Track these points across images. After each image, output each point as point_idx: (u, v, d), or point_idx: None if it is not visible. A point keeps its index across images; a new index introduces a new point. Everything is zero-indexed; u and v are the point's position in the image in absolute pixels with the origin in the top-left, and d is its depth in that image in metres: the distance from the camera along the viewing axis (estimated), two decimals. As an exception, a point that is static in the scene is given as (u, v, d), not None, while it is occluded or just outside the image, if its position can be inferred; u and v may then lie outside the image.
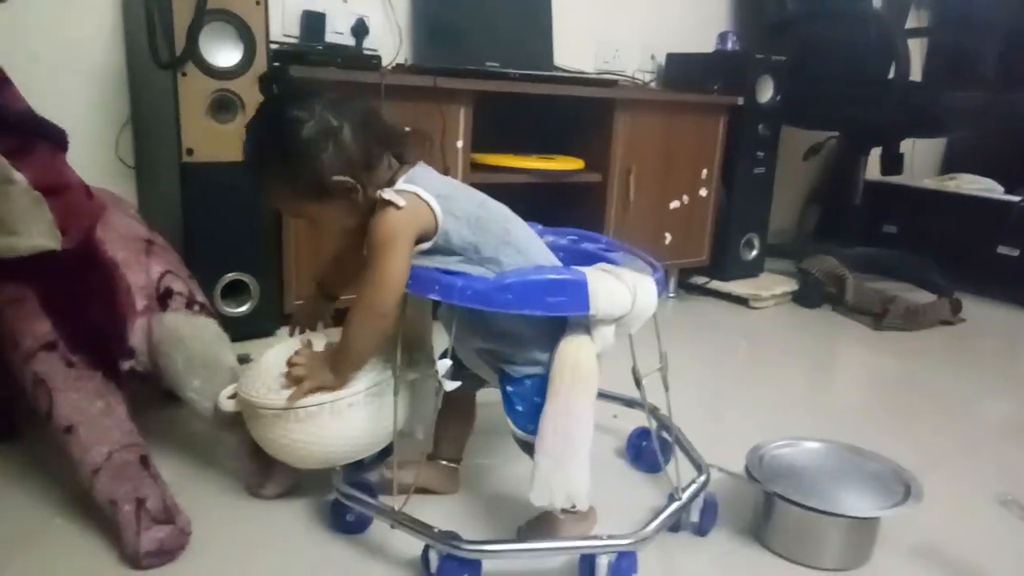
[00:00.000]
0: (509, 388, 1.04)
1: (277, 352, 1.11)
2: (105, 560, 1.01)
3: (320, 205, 1.00)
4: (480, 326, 1.03)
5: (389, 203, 0.97)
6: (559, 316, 1.00)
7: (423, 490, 1.14)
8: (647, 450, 1.33)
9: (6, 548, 1.03)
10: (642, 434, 1.35)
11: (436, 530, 0.99)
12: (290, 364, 1.03)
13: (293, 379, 1.02)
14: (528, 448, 1.01)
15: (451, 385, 0.99)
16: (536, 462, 0.98)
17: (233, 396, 1.10)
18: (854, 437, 1.27)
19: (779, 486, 1.10)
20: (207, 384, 1.18)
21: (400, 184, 1.00)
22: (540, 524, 1.08)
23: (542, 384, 1.01)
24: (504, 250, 1.01)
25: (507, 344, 1.04)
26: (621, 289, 0.99)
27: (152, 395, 1.34)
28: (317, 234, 1.07)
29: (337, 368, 1.01)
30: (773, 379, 1.88)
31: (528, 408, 1.02)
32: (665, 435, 1.24)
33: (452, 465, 1.22)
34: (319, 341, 1.08)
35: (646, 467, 1.34)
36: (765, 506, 1.13)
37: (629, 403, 1.39)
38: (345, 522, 1.10)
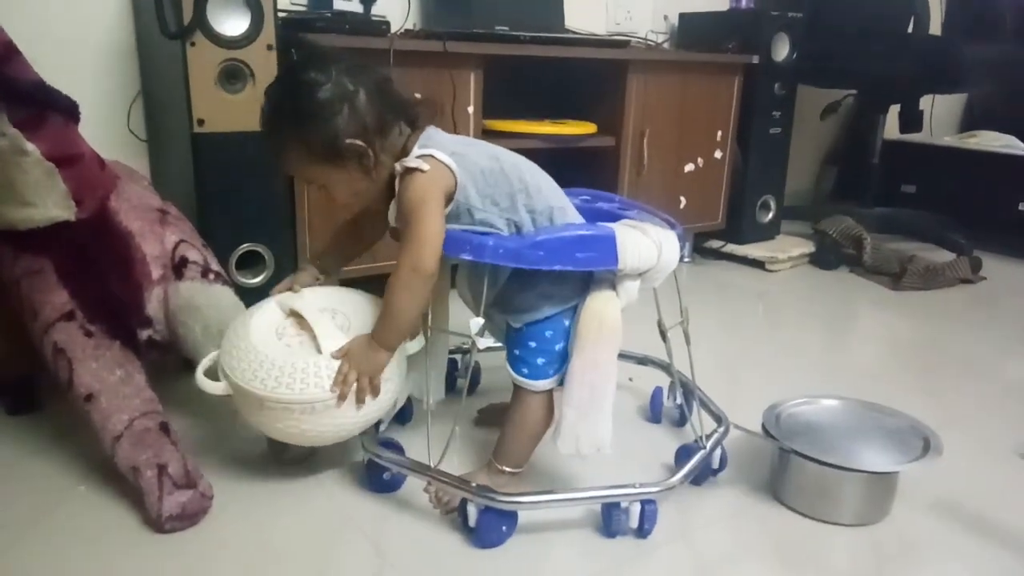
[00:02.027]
0: (511, 335, 1.08)
1: (261, 327, 1.06)
2: (129, 524, 1.03)
3: (332, 169, 1.01)
4: (500, 283, 1.05)
5: (414, 169, 0.99)
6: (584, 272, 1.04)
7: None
8: (666, 405, 1.38)
9: (33, 516, 1.05)
10: (661, 391, 1.39)
11: (474, 485, 1.02)
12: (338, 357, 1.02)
13: (343, 378, 1.01)
14: (520, 398, 1.07)
15: (484, 342, 1.02)
16: (563, 413, 1.02)
17: (208, 372, 1.08)
18: (873, 397, 1.26)
19: (796, 443, 1.10)
20: (224, 352, 1.19)
21: (416, 150, 1.02)
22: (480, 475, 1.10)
23: (536, 332, 1.05)
24: (519, 197, 1.04)
25: (518, 298, 1.06)
26: (647, 243, 1.01)
27: (171, 363, 1.36)
28: (331, 205, 1.07)
29: (386, 341, 1.02)
30: (790, 341, 1.87)
31: (523, 352, 1.06)
32: (686, 387, 1.27)
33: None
34: (302, 302, 1.07)
35: (665, 423, 1.38)
36: (782, 463, 1.13)
37: (641, 360, 1.44)
38: (382, 481, 1.12)
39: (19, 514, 1.05)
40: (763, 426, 1.15)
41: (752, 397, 1.29)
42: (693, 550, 1.04)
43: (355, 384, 1.02)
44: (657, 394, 1.39)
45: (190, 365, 1.23)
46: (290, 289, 1.12)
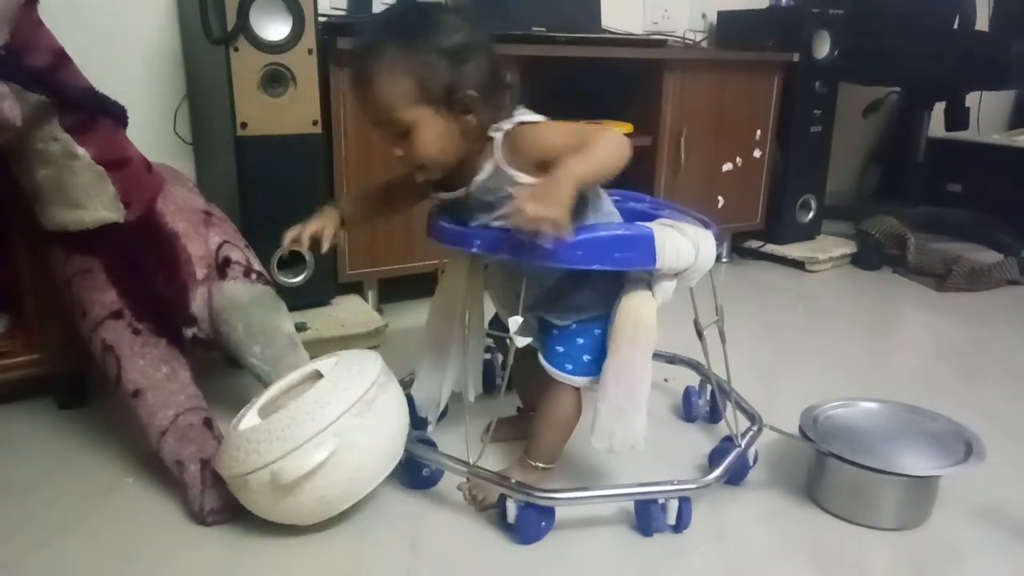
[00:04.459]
0: (554, 332, 1.08)
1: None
2: (173, 516, 1.06)
3: (435, 115, 0.96)
4: (537, 285, 1.06)
5: (530, 122, 0.99)
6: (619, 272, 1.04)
7: (519, 438, 1.19)
8: (699, 404, 1.38)
9: (83, 506, 1.09)
10: (694, 390, 1.39)
11: (513, 481, 1.03)
12: (517, 209, 0.88)
13: (525, 216, 0.87)
14: (554, 395, 1.07)
15: (523, 341, 1.02)
16: (598, 410, 1.03)
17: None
18: (915, 400, 1.24)
19: (834, 446, 1.09)
20: (267, 350, 1.22)
21: (517, 115, 1.01)
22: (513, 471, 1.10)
23: (585, 329, 1.06)
24: (589, 194, 1.04)
25: (573, 296, 1.07)
26: (685, 243, 1.01)
27: (214, 360, 1.39)
28: (405, 160, 0.99)
29: (581, 172, 0.91)
30: (831, 342, 1.84)
31: (568, 349, 1.06)
32: (720, 386, 1.26)
33: None
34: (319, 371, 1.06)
35: (698, 421, 1.38)
36: (819, 466, 1.12)
37: (671, 359, 1.45)
38: (421, 477, 1.13)
39: (69, 504, 1.09)
40: (800, 428, 1.14)
41: (790, 399, 1.28)
42: (728, 552, 1.03)
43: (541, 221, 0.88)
44: (689, 393, 1.39)
45: (233, 362, 1.27)
46: (318, 232, 1.08)
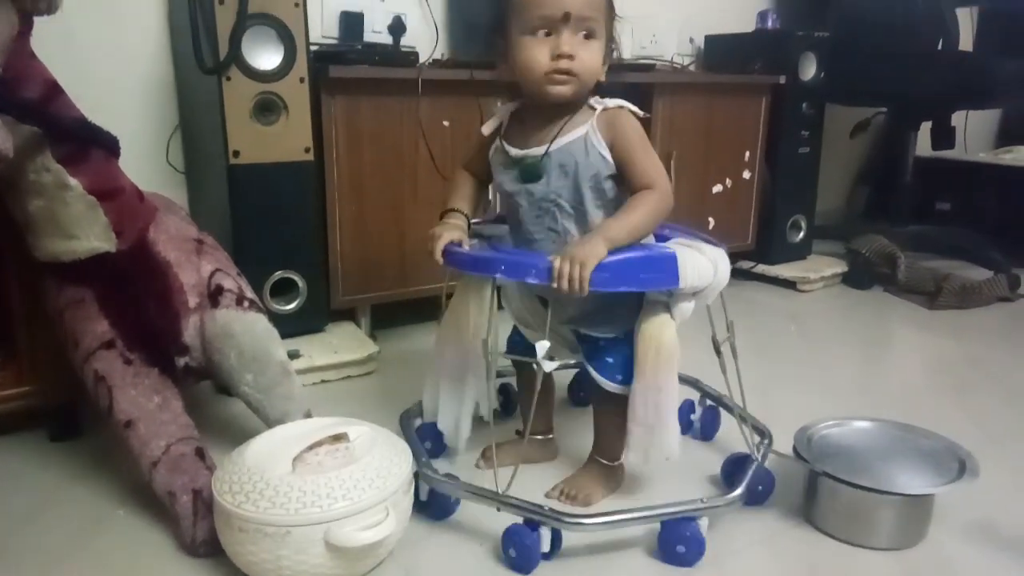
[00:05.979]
0: (601, 344, 1.12)
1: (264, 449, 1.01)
2: (165, 548, 1.05)
3: (605, 45, 1.07)
4: (570, 304, 1.10)
5: (630, 111, 1.07)
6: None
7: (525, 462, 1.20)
8: (693, 420, 1.40)
9: (74, 538, 1.08)
10: (691, 406, 1.41)
11: (547, 508, 1.02)
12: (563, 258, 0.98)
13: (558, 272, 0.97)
14: (609, 399, 1.12)
15: (551, 366, 1.03)
16: (630, 430, 1.08)
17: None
18: (908, 418, 1.25)
19: (828, 466, 1.09)
20: (259, 378, 1.22)
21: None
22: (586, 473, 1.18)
23: (630, 339, 1.09)
24: None
25: (624, 309, 1.10)
26: (704, 262, 1.05)
27: (206, 389, 1.39)
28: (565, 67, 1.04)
29: (616, 238, 1.01)
30: (823, 361, 1.85)
31: (617, 360, 1.11)
32: (724, 402, 1.29)
33: (548, 436, 1.30)
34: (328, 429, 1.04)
35: (689, 436, 1.40)
36: (813, 486, 1.12)
37: None
38: (448, 507, 1.13)
39: (61, 537, 1.08)
40: (795, 448, 1.14)
41: (784, 419, 1.28)
42: (725, 574, 1.03)
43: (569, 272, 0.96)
44: (684, 409, 1.38)
45: (225, 391, 1.26)
46: (457, 241, 1.09)
